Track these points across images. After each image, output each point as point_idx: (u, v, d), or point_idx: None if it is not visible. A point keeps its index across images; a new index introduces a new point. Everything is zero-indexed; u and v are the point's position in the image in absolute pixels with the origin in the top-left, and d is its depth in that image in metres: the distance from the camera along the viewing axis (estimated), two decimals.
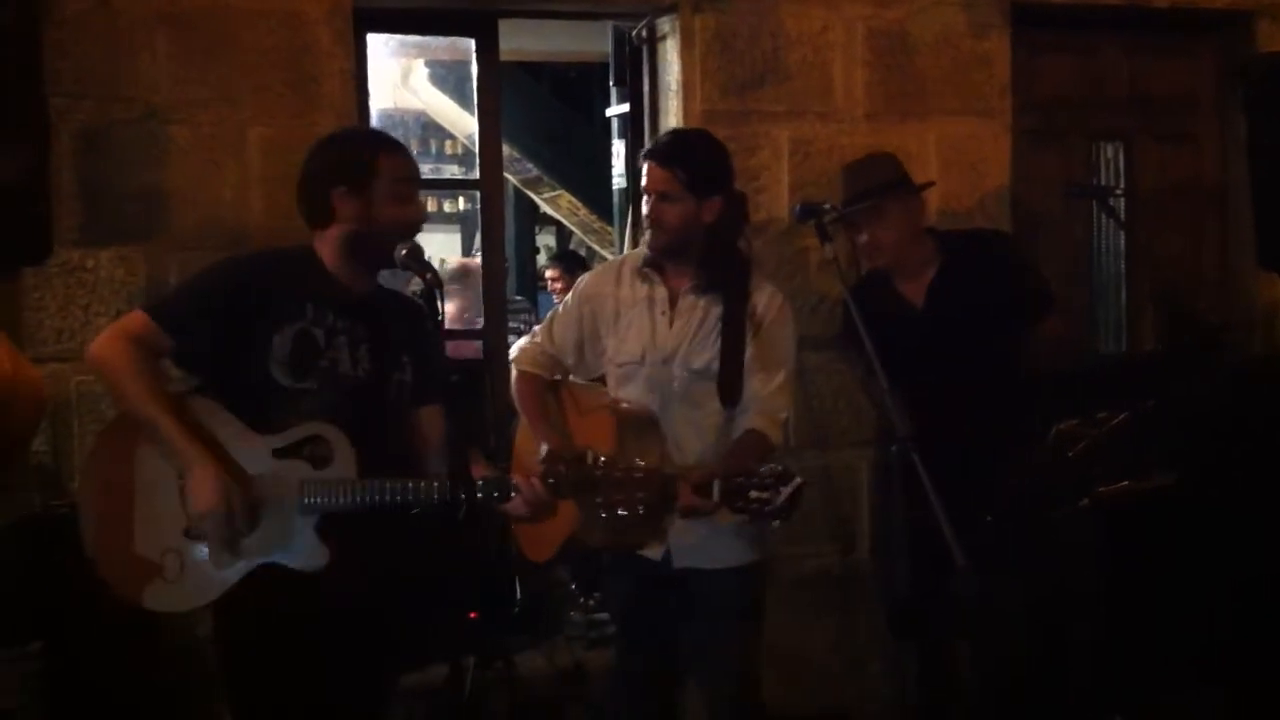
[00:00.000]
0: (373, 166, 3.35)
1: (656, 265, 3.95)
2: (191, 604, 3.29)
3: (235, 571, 3.24)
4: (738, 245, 3.97)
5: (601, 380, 4.09)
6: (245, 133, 4.63)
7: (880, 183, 4.38)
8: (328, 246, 3.40)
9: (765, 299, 3.90)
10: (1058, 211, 5.67)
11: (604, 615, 5.26)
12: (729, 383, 3.80)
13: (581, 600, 5.39)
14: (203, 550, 3.24)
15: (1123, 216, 4.38)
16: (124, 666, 4.11)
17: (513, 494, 3.35)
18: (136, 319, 3.32)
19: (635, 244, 4.80)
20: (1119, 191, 4.29)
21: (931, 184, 4.70)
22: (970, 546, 3.35)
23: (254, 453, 3.27)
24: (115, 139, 4.52)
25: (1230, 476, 4.52)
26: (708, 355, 3.84)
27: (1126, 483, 3.87)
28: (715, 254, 3.89)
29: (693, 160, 3.86)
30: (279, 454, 3.27)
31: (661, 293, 3.93)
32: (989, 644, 4.31)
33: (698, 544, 3.84)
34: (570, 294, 4.15)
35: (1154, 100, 5.87)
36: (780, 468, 3.40)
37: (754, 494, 3.39)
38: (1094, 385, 4.43)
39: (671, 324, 3.90)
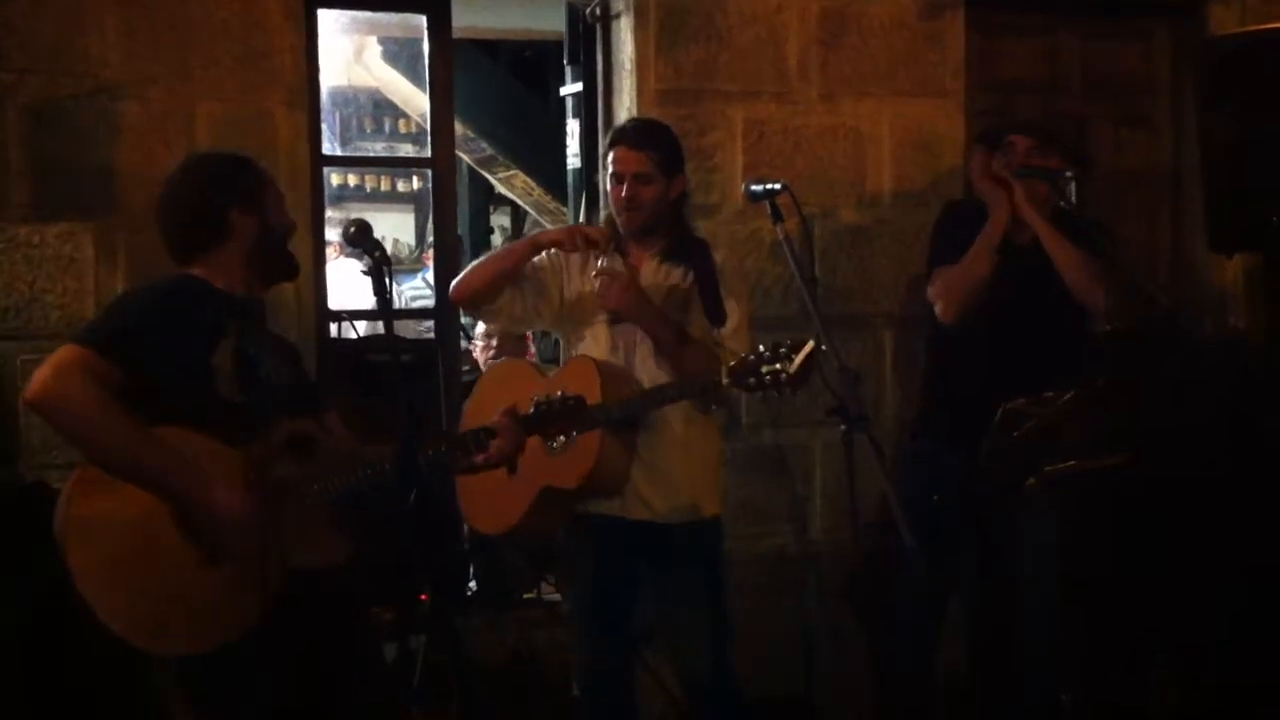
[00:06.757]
0: (259, 179, 3.41)
1: (619, 247, 4.07)
2: (230, 636, 3.12)
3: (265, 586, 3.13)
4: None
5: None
6: (194, 109, 4.58)
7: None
8: (219, 267, 3.33)
9: (720, 259, 4.11)
10: None
11: (556, 596, 5.26)
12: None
13: (534, 581, 5.38)
14: (224, 578, 3.11)
15: (1073, 199, 4.41)
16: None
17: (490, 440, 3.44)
18: (76, 354, 3.04)
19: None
20: (1068, 174, 4.32)
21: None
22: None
23: (241, 467, 3.16)
24: (64, 114, 4.47)
25: (1180, 457, 4.55)
26: (677, 316, 3.98)
27: (1073, 462, 3.89)
28: (683, 227, 4.13)
29: (664, 142, 4.06)
30: (266, 461, 3.20)
31: (620, 266, 4.03)
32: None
33: (676, 495, 4.00)
34: None
35: (1109, 84, 5.89)
36: (789, 340, 3.51)
37: (765, 369, 3.51)
38: None
39: None
